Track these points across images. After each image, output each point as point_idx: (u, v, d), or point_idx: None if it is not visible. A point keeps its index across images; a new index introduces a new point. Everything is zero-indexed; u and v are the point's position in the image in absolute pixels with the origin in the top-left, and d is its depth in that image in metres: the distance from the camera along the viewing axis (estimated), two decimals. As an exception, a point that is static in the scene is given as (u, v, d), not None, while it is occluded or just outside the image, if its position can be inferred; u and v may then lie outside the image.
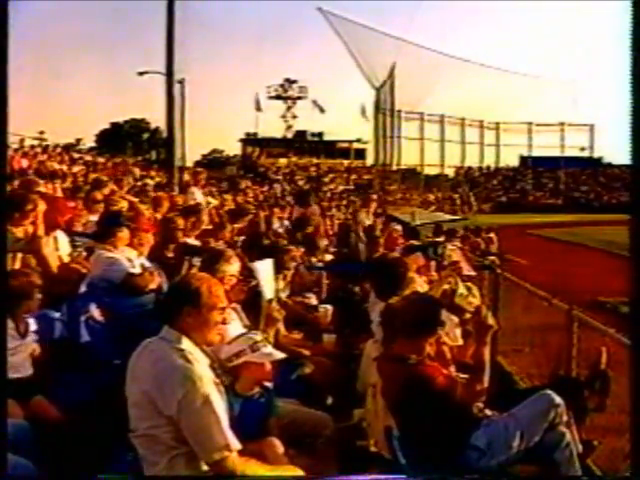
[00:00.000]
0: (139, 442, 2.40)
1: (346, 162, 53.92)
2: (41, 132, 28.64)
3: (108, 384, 2.94)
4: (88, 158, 21.47)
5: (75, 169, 14.67)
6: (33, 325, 3.37)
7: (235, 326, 3.50)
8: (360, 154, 54.59)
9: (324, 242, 7.53)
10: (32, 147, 20.31)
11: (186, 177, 18.31)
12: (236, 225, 6.89)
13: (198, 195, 11.50)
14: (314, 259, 6.55)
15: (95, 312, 3.86)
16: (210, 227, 6.50)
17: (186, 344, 2.41)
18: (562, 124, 54.06)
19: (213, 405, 2.33)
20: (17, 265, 3.84)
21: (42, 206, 4.22)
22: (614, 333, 3.55)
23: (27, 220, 4.12)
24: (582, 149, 55.68)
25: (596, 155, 55.50)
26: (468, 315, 4.24)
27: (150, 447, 2.37)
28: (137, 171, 17.18)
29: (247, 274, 3.96)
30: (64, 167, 14.67)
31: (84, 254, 4.50)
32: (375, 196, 16.25)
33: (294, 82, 55.11)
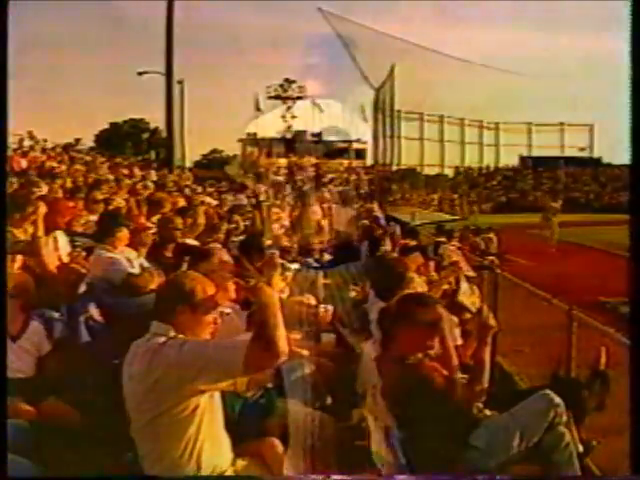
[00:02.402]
0: (141, 437, 2.39)
1: (346, 162, 53.83)
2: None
3: (108, 384, 2.94)
4: (88, 158, 21.41)
5: (75, 168, 14.63)
6: (34, 324, 3.36)
7: (235, 326, 3.49)
8: (360, 154, 54.54)
9: (321, 244, 7.53)
10: (32, 147, 20.28)
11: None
12: (231, 225, 6.90)
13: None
14: (311, 259, 6.56)
15: (95, 312, 3.86)
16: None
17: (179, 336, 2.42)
18: (562, 124, 54.07)
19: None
20: (17, 266, 3.84)
21: (43, 208, 4.22)
22: (614, 333, 3.55)
23: (28, 222, 4.12)
24: (582, 149, 55.61)
25: (596, 155, 55.47)
26: (468, 315, 4.25)
27: (154, 439, 2.36)
28: (137, 171, 17.15)
29: (246, 274, 3.95)
30: (64, 167, 14.64)
31: (84, 254, 4.49)
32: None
33: (293, 82, 55.08)
